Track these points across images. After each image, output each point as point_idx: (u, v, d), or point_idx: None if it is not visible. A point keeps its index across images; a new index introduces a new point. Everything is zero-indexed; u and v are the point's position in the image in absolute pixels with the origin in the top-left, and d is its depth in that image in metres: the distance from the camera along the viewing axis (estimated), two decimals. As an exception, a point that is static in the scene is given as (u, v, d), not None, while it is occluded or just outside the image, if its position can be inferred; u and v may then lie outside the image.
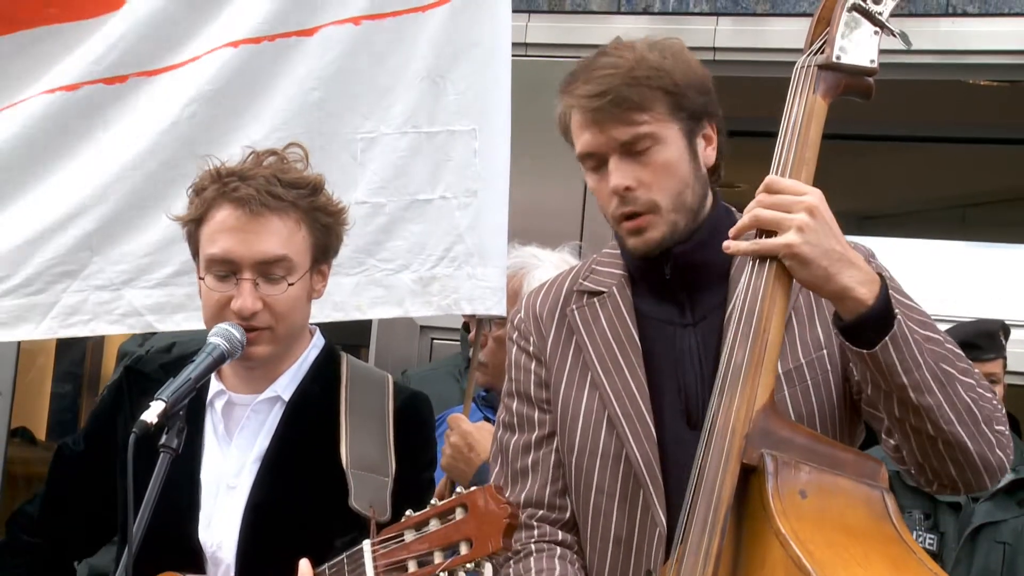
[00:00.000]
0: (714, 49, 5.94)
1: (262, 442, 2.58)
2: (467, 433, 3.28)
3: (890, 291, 2.10)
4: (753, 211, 2.11)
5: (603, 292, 2.46)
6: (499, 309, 3.45)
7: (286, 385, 2.62)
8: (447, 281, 3.46)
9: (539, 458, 2.45)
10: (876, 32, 2.21)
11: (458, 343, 5.05)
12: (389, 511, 2.44)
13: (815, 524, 2.02)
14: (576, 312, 2.47)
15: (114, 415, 2.69)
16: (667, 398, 2.36)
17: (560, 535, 2.43)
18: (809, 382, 2.29)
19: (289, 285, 2.51)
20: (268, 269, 2.51)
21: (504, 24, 3.55)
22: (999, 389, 4.48)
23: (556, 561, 2.39)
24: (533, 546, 2.42)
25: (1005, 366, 4.68)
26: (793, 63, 2.30)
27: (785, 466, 2.05)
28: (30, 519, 2.79)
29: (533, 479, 2.45)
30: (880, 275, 2.11)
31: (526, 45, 5.93)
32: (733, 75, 6.16)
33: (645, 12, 6.09)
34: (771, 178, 2.13)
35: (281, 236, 2.52)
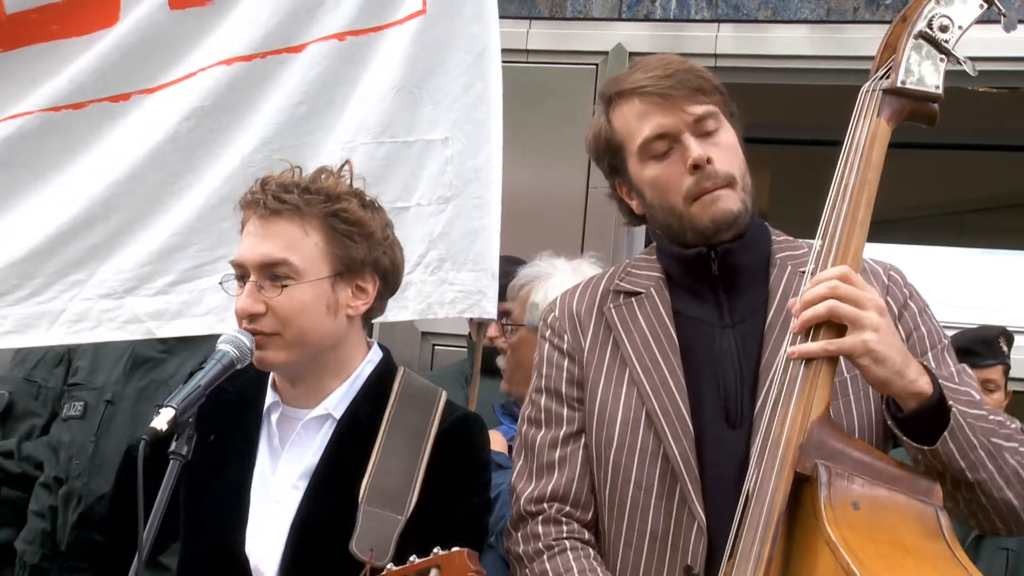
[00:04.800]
0: (715, 56, 5.95)
1: (311, 459, 2.56)
2: None
3: (940, 379, 2.15)
4: (830, 303, 2.11)
5: (640, 293, 2.49)
6: (478, 312, 3.48)
7: (337, 403, 2.59)
8: (421, 287, 3.52)
9: (567, 454, 2.47)
10: (942, 59, 2.27)
11: (460, 349, 5.06)
12: (391, 553, 2.39)
13: (866, 535, 2.03)
14: (614, 310, 2.49)
15: None
16: (706, 397, 2.37)
17: (587, 535, 2.44)
18: (851, 396, 2.32)
19: (283, 287, 2.49)
20: (271, 272, 2.51)
21: (486, 32, 3.59)
22: (998, 396, 4.48)
23: (595, 563, 2.40)
24: (567, 543, 2.42)
25: (1007, 372, 4.69)
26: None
27: (838, 477, 2.07)
28: (99, 519, 2.78)
29: (560, 473, 2.46)
30: (924, 365, 2.16)
31: (527, 51, 5.94)
32: (734, 81, 6.18)
33: (647, 19, 6.10)
34: (846, 268, 2.15)
35: (284, 240, 2.52)
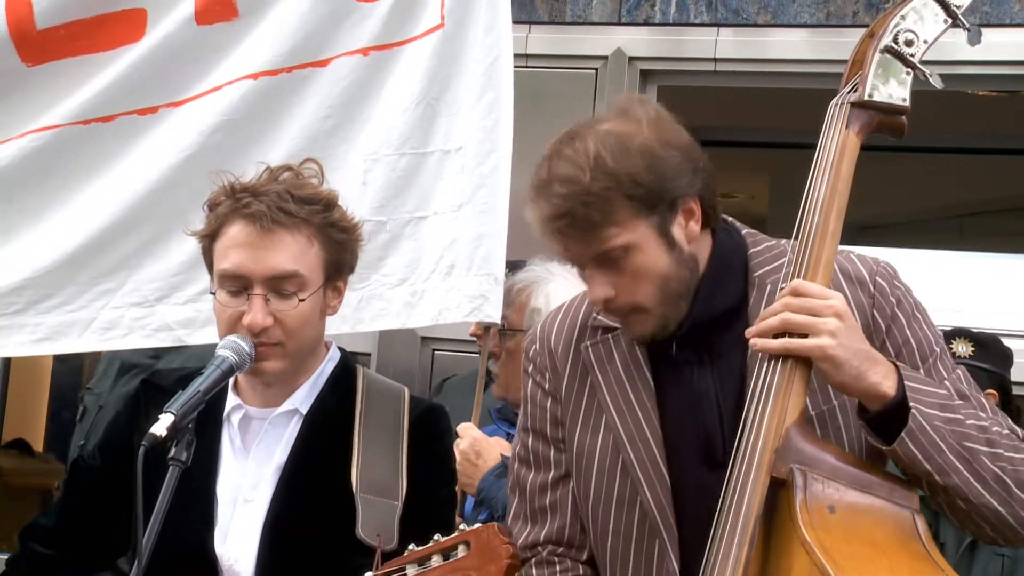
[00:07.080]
0: (715, 60, 5.95)
1: (280, 456, 2.58)
2: (476, 440, 3.32)
3: (906, 381, 2.13)
4: (782, 314, 2.12)
5: (617, 329, 2.43)
6: (481, 316, 3.54)
7: (303, 398, 2.62)
8: (434, 293, 3.59)
9: (557, 499, 2.46)
10: (908, 73, 2.28)
11: (460, 354, 5.07)
12: (396, 538, 2.42)
13: (841, 537, 2.04)
14: (591, 349, 2.45)
15: (130, 428, 2.67)
16: (686, 441, 2.35)
17: (582, 569, 2.44)
18: (840, 423, 2.30)
19: (300, 301, 2.51)
20: (279, 285, 2.51)
21: (499, 42, 3.65)
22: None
23: None
24: None
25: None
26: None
27: (814, 481, 2.08)
28: (45, 531, 2.76)
29: (552, 519, 2.46)
30: (895, 364, 2.16)
31: (527, 56, 5.94)
32: (733, 86, 6.19)
33: (646, 23, 6.10)
34: (798, 282, 2.15)
35: (292, 252, 2.52)
